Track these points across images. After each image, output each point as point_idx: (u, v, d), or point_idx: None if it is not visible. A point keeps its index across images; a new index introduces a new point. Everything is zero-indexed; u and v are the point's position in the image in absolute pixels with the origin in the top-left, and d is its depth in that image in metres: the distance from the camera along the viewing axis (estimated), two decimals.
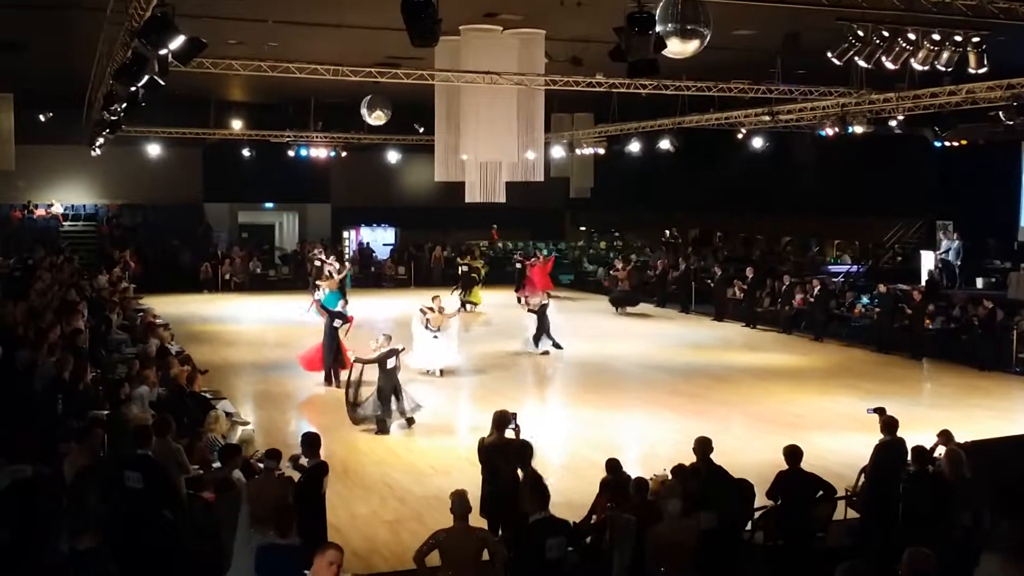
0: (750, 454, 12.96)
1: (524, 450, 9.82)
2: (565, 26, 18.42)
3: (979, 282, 25.17)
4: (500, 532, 9.38)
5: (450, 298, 18.90)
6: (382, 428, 14.94)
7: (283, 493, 8.58)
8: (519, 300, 29.88)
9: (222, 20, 17.57)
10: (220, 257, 34.37)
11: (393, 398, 15.07)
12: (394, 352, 15.18)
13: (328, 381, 17.79)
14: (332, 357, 17.78)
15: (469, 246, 35.25)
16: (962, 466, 9.69)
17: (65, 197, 35.97)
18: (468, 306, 28.45)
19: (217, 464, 10.41)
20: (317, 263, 30.07)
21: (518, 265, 31.86)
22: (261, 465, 10.73)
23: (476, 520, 8.56)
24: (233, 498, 8.85)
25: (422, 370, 18.66)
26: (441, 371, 18.95)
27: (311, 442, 9.52)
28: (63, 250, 31.14)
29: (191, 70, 15.25)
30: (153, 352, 15.40)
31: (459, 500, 7.65)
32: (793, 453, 9.35)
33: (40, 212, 35.33)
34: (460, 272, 29.87)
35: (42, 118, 31.51)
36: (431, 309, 19.05)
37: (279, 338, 24.07)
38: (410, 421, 15.24)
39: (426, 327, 18.87)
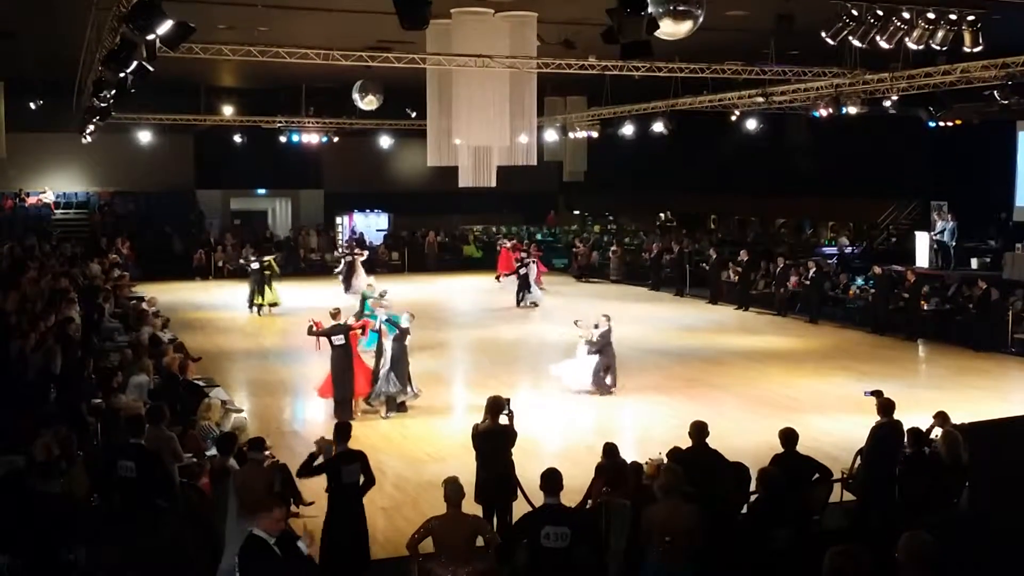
0: (746, 437, 12.93)
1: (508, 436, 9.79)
2: (557, 8, 18.31)
3: (974, 262, 25.16)
4: (495, 518, 9.37)
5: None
6: (391, 407, 14.92)
7: (271, 482, 8.55)
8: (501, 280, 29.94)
9: (211, 4, 17.42)
10: (213, 244, 34.23)
11: (406, 376, 15.07)
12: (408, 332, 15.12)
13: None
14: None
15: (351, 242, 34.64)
16: (959, 447, 9.67)
17: (57, 185, 35.81)
18: (264, 309, 25.31)
19: (211, 452, 10.37)
20: (349, 259, 29.26)
21: (523, 255, 31.58)
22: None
23: (471, 506, 8.54)
24: (228, 486, 8.83)
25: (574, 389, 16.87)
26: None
27: (344, 432, 9.30)
28: (52, 238, 31.03)
29: (180, 55, 15.16)
30: (146, 340, 15.34)
31: (452, 487, 7.62)
32: (789, 436, 9.32)
33: (32, 200, 35.18)
34: (252, 269, 25.79)
35: (33, 106, 31.27)
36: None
37: (273, 325, 24.01)
38: (401, 406, 15.19)
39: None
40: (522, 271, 27.17)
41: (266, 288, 25.51)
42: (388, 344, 15.02)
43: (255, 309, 25.44)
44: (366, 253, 31.14)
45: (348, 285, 27.95)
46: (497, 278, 30.13)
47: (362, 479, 8.95)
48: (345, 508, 8.77)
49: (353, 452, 9.01)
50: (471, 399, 15.73)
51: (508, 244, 32.17)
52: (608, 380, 16.65)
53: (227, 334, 22.71)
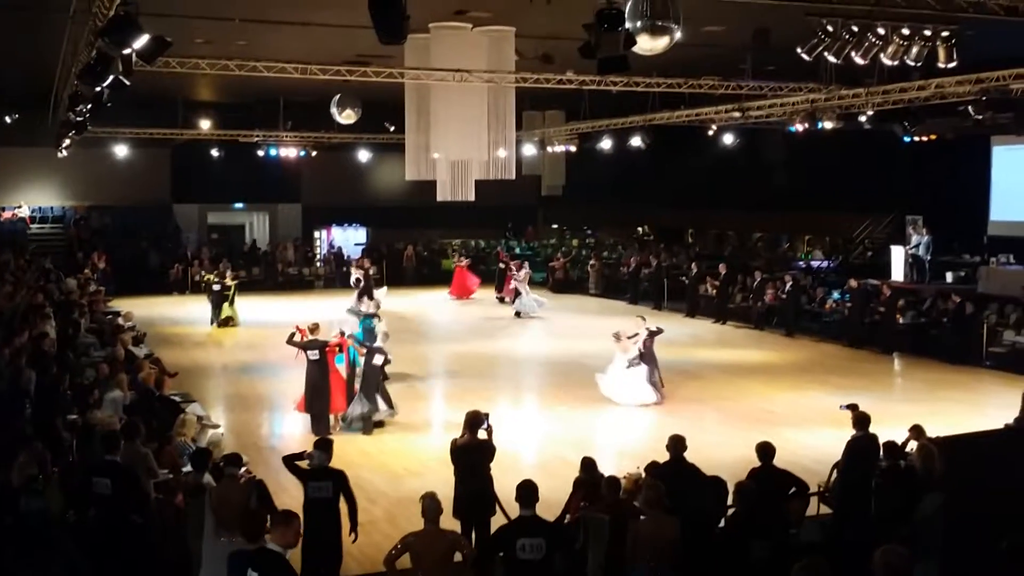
0: (723, 451, 12.95)
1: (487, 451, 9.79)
2: (535, 23, 18.36)
3: (949, 276, 25.36)
4: (473, 534, 9.34)
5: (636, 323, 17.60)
6: (367, 427, 14.84)
7: (246, 498, 8.52)
8: (501, 300, 29.92)
9: (188, 19, 17.38)
10: (189, 258, 34.05)
11: (378, 396, 14.94)
12: (381, 351, 15.02)
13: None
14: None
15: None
16: (934, 461, 9.70)
17: (32, 199, 35.48)
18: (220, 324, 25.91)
19: (187, 468, 10.30)
20: (372, 271, 29.09)
21: (501, 265, 31.59)
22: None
23: (449, 521, 8.51)
24: (203, 503, 8.78)
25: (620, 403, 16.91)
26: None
27: (324, 447, 9.29)
28: (27, 252, 30.77)
29: (157, 69, 15.10)
30: (122, 355, 15.24)
31: (430, 503, 7.59)
32: (765, 449, 9.34)
33: (7, 215, 34.89)
34: (211, 290, 26.47)
35: (8, 120, 31.10)
36: (617, 336, 17.44)
37: (250, 340, 23.90)
38: (378, 424, 15.05)
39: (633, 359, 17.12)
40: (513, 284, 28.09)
41: (224, 306, 26.01)
42: (361, 362, 15.02)
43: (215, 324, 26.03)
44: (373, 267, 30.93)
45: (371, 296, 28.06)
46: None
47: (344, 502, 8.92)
48: (312, 524, 8.73)
49: (328, 470, 8.96)
50: (449, 414, 15.71)
51: (464, 263, 32.13)
52: (657, 383, 16.83)
53: (203, 349, 22.61)
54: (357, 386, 15.06)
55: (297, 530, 6.76)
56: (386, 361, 15.32)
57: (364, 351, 15.20)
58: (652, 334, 17.15)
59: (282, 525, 6.69)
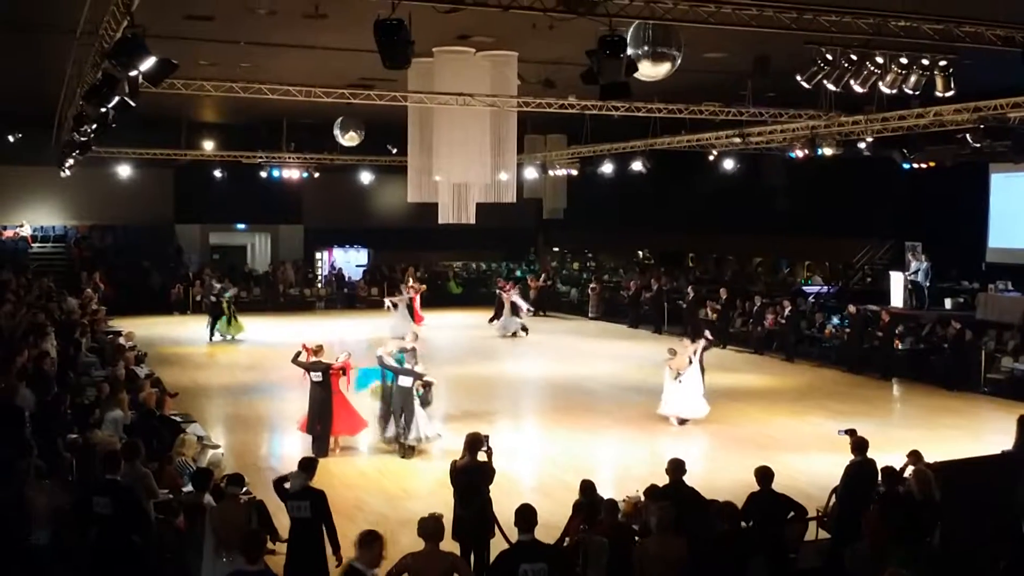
0: (722, 475, 12.98)
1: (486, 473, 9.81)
2: (538, 49, 18.49)
3: (947, 303, 25.41)
4: (472, 556, 9.36)
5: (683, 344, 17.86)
6: (404, 452, 14.72)
7: (248, 518, 8.55)
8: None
9: (194, 41, 17.53)
10: (191, 278, 34.10)
11: (403, 418, 14.73)
12: (409, 373, 14.85)
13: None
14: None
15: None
16: (931, 486, 9.74)
17: (34, 218, 35.54)
18: (227, 337, 26.96)
19: (187, 488, 10.32)
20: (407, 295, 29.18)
21: (498, 290, 31.48)
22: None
23: (448, 543, 8.53)
24: (203, 523, 8.80)
25: (665, 416, 17.22)
26: (681, 420, 17.13)
27: (306, 466, 9.30)
28: (29, 271, 30.81)
29: (162, 91, 15.22)
30: (123, 375, 15.26)
31: (433, 523, 7.60)
32: (765, 474, 9.37)
33: (8, 234, 34.95)
34: (210, 302, 28.10)
35: (11, 139, 31.22)
36: (672, 351, 17.64)
37: (250, 360, 23.92)
38: (410, 450, 14.74)
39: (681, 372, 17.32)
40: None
41: (221, 320, 26.87)
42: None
43: (217, 337, 26.87)
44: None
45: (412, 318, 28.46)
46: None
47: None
48: (295, 543, 8.78)
49: (308, 490, 8.96)
50: (450, 436, 15.71)
51: (414, 288, 32.01)
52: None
53: (204, 369, 22.63)
54: (377, 410, 15.18)
55: (380, 550, 7.08)
56: (423, 383, 15.05)
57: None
58: (709, 342, 17.90)
59: (363, 547, 7.06)
